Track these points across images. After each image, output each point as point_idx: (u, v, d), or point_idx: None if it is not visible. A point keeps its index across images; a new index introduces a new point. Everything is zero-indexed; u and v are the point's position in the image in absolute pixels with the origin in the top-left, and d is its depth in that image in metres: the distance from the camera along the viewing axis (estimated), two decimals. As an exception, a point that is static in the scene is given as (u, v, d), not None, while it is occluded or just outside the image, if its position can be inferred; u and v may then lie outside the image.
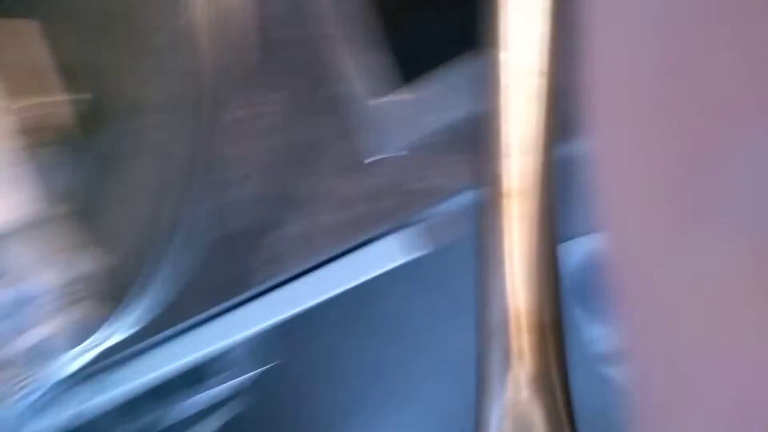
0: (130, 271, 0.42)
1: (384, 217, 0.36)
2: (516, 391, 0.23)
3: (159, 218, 0.42)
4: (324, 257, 0.39)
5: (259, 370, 0.53)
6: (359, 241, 0.38)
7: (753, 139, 0.11)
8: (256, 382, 0.52)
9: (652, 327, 0.14)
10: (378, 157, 0.36)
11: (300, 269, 0.40)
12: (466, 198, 0.37)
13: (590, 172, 0.14)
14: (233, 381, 0.50)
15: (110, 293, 0.42)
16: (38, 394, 0.47)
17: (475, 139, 0.34)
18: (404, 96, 0.35)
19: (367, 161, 0.36)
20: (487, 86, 0.26)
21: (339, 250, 0.39)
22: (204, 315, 0.41)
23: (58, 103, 0.41)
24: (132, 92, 0.40)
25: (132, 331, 0.42)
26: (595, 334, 1.17)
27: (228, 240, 0.40)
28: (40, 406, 0.48)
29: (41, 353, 0.42)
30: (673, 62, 0.12)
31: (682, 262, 0.12)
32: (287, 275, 0.41)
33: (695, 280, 0.12)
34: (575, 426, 0.23)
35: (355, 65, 0.36)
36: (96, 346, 0.37)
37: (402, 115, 0.35)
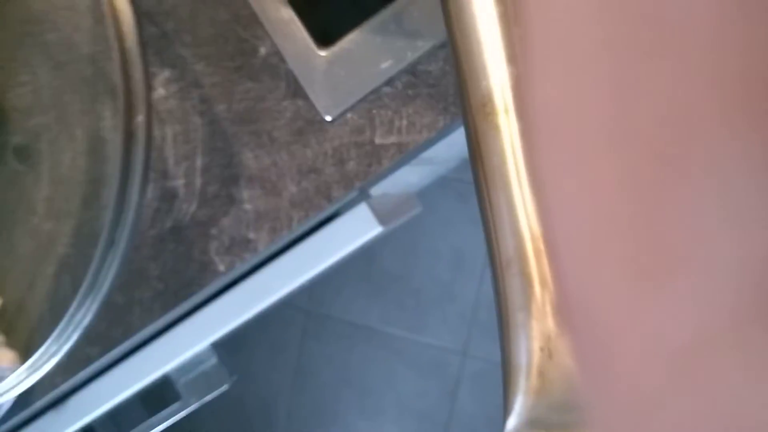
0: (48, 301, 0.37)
1: (354, 179, 0.32)
2: (542, 321, 0.21)
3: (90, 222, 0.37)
4: (293, 235, 0.35)
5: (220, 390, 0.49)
6: (329, 211, 0.35)
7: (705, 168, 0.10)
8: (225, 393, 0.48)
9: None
10: (337, 113, 0.32)
11: (266, 253, 0.36)
12: (439, 147, 0.34)
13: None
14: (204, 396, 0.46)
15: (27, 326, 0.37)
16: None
17: (444, 72, 0.31)
18: (353, 45, 0.32)
19: (326, 120, 0.33)
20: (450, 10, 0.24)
21: (309, 225, 0.35)
22: (166, 318, 0.36)
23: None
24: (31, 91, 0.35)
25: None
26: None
27: (177, 232, 0.36)
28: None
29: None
30: (620, 95, 0.11)
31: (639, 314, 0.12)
32: (252, 263, 0.37)
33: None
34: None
35: (287, 20, 0.33)
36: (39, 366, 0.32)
37: (354, 65, 0.32)
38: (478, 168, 0.22)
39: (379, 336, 1.24)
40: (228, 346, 0.46)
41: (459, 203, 1.21)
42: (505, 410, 0.21)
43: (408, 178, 0.55)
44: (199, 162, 0.35)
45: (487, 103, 0.22)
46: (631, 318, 0.12)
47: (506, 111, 0.22)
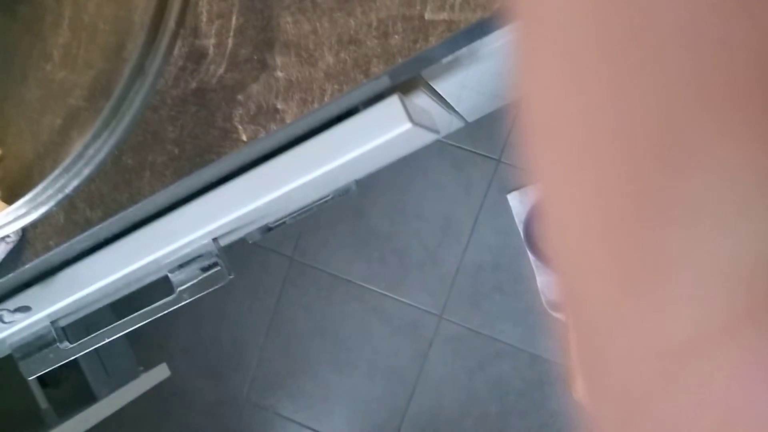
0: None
1: (397, 55, 0.31)
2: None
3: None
4: (324, 112, 0.34)
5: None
6: (365, 88, 0.33)
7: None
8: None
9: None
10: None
11: (293, 128, 0.35)
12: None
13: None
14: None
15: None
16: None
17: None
18: None
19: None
20: None
21: (341, 103, 0.34)
22: (176, 190, 0.35)
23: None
24: None
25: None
26: (545, 282, 1.18)
27: (201, 95, 0.34)
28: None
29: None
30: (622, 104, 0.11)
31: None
32: (277, 137, 0.35)
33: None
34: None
35: None
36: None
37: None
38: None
39: (358, 290, 1.23)
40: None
41: (454, 170, 1.20)
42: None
43: (430, 109, 0.54)
44: (234, 21, 0.33)
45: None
46: (622, 317, 0.12)
47: None
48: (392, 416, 1.26)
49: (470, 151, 1.22)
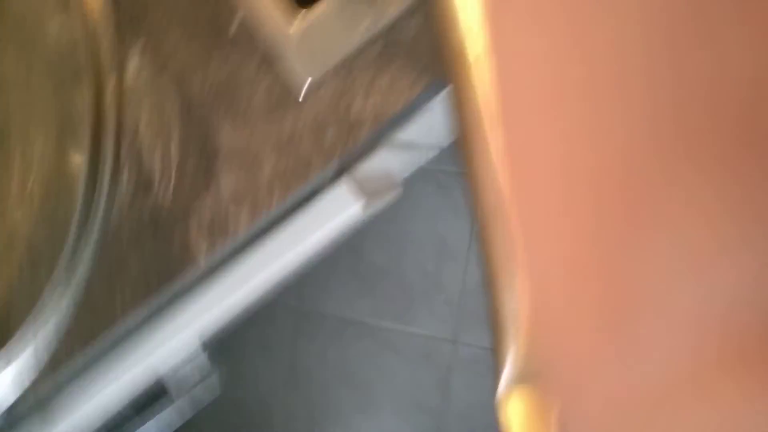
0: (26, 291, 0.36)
1: (334, 149, 0.32)
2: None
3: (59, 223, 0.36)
4: (275, 211, 0.35)
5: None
6: (311, 184, 0.34)
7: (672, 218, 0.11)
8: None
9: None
10: (312, 83, 0.32)
11: (248, 232, 0.35)
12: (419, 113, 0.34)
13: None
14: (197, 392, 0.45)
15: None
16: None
17: (418, 35, 0.31)
18: (324, 14, 0.32)
19: (302, 90, 0.32)
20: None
21: (290, 201, 0.35)
22: (149, 307, 0.36)
23: None
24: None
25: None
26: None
27: (155, 215, 0.35)
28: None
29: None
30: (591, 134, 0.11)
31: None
32: (234, 244, 0.36)
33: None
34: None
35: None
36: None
37: (327, 34, 0.32)
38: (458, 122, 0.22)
39: (369, 330, 1.23)
40: (221, 350, 0.45)
41: (440, 193, 1.21)
42: (498, 364, 0.21)
43: (389, 164, 0.55)
44: (175, 139, 0.34)
45: (462, 50, 0.21)
46: (595, 367, 0.12)
47: (476, 59, 0.21)
48: (424, 449, 1.25)
49: (452, 171, 1.23)
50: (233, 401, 1.31)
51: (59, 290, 0.30)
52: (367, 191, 0.39)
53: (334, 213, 0.37)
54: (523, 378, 0.20)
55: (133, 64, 0.33)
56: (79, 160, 0.35)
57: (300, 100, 0.32)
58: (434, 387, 1.22)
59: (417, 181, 1.21)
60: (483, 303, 1.21)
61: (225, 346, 1.21)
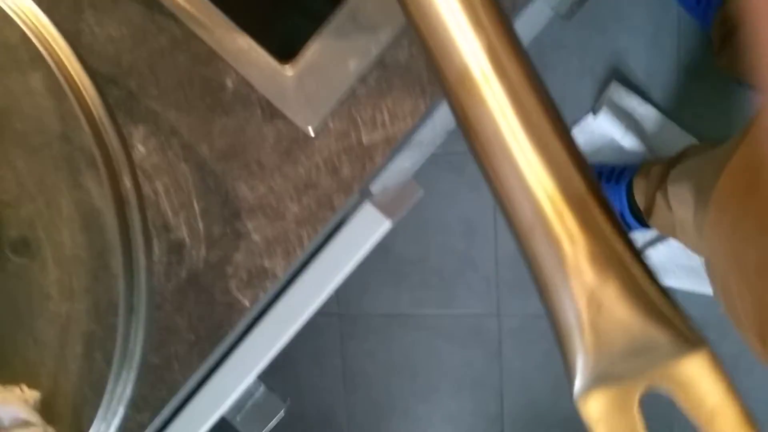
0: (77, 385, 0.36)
1: (352, 183, 0.32)
2: (580, 277, 0.20)
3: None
4: (306, 253, 0.35)
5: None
6: (335, 220, 0.34)
7: None
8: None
9: None
10: (317, 124, 0.32)
11: (286, 277, 0.36)
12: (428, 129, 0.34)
13: None
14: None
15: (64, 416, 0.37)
16: None
17: (412, 56, 0.30)
18: (315, 54, 0.31)
19: (309, 134, 0.32)
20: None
21: (319, 239, 0.35)
22: (206, 366, 0.36)
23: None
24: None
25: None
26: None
27: (194, 280, 0.35)
28: None
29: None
30: None
31: None
32: (274, 290, 0.37)
33: None
34: (662, 288, 0.20)
35: (246, 48, 0.32)
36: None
37: (322, 73, 0.32)
38: (474, 143, 0.22)
39: (413, 320, 1.24)
40: (273, 370, 0.46)
41: (454, 175, 1.20)
42: (569, 375, 0.21)
43: (402, 165, 0.55)
44: (196, 207, 0.34)
45: (465, 78, 0.21)
46: None
47: (486, 80, 0.21)
48: (491, 424, 1.26)
49: (462, 151, 1.22)
50: (297, 416, 1.33)
51: (123, 375, 0.30)
52: (392, 206, 0.39)
53: (366, 235, 0.38)
54: (597, 380, 0.20)
55: (139, 150, 0.33)
56: (111, 240, 0.36)
57: (308, 143, 0.32)
58: (488, 362, 1.22)
59: (429, 168, 1.21)
60: (520, 272, 1.22)
61: (277, 366, 1.23)
